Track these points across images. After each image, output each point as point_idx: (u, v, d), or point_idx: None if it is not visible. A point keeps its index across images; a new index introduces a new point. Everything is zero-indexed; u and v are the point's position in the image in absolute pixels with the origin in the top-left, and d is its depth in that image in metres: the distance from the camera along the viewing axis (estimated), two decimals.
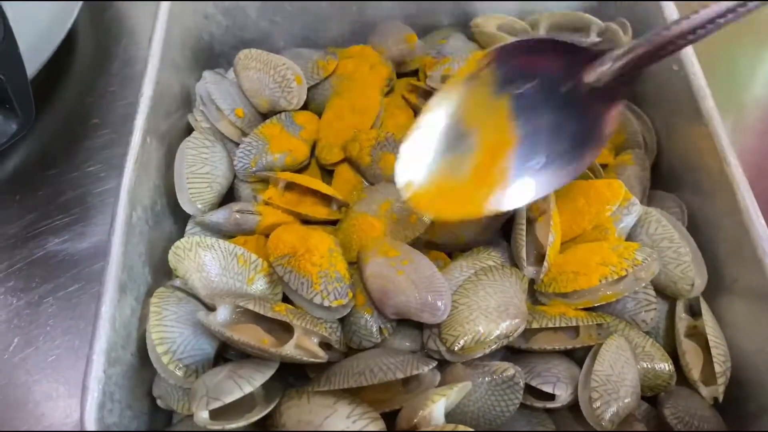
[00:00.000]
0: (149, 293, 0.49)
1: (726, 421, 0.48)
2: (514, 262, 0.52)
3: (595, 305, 0.50)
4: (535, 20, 0.67)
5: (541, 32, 0.67)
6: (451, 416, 0.45)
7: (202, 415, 0.41)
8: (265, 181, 0.56)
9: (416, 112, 0.62)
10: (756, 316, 0.48)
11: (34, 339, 0.57)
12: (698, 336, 0.51)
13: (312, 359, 0.45)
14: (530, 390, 0.47)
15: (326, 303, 0.47)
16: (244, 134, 0.58)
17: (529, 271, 0.51)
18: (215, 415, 0.42)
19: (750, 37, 0.87)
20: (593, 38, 0.64)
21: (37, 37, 0.68)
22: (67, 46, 0.75)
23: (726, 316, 0.51)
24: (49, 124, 0.71)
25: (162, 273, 0.52)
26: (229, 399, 0.41)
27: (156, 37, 0.58)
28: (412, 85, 0.62)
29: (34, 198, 0.66)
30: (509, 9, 0.68)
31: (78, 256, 0.62)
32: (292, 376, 0.49)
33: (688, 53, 0.58)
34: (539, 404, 0.47)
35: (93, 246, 0.63)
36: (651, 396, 0.49)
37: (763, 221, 0.49)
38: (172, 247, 0.49)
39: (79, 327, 0.58)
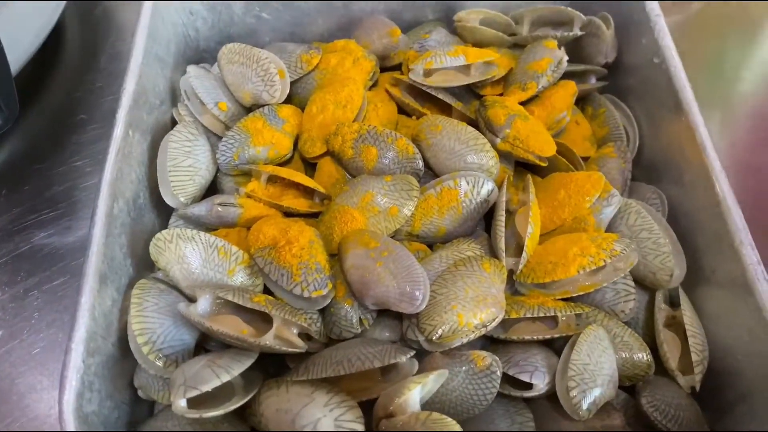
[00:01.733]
0: (131, 285, 0.49)
1: (703, 409, 0.48)
2: (494, 253, 0.52)
3: (574, 295, 0.50)
4: (519, 15, 0.67)
5: (525, 26, 0.67)
6: (428, 405, 0.46)
7: (180, 404, 0.41)
8: (248, 174, 0.57)
9: (399, 105, 0.62)
10: (733, 306, 0.49)
11: (19, 332, 0.58)
12: (677, 326, 0.51)
13: (291, 349, 0.45)
14: (509, 379, 0.47)
15: (306, 294, 0.47)
16: (228, 128, 0.59)
17: (508, 261, 0.51)
18: (194, 404, 0.42)
19: (736, 33, 0.87)
20: (576, 32, 0.64)
21: (22, 31, 0.68)
22: (55, 41, 0.75)
23: (704, 306, 0.52)
24: (36, 119, 0.71)
25: (145, 265, 0.53)
26: (206, 388, 0.41)
27: (139, 32, 0.58)
28: (395, 79, 0.62)
29: (20, 192, 0.66)
30: (493, 3, 0.68)
31: (64, 249, 0.63)
32: (273, 367, 0.49)
33: (669, 46, 0.59)
34: (517, 393, 0.47)
35: (79, 240, 0.63)
36: (629, 385, 0.50)
37: (740, 212, 0.49)
38: (153, 239, 0.49)
39: (64, 320, 0.58)
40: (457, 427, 0.40)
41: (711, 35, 0.87)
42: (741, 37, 0.87)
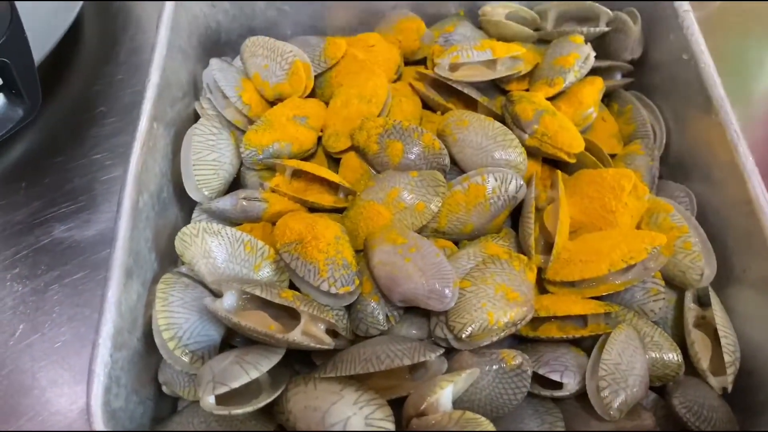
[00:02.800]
0: (155, 279, 0.49)
1: (735, 411, 0.48)
2: (522, 251, 0.52)
3: (604, 294, 0.49)
4: (544, 9, 0.67)
5: (550, 22, 0.66)
6: (458, 404, 0.45)
7: (209, 400, 0.41)
8: (272, 169, 0.56)
9: (423, 100, 0.61)
10: (765, 305, 0.48)
11: (40, 326, 0.57)
12: (707, 326, 0.51)
13: (319, 346, 0.45)
14: (538, 378, 0.47)
15: (333, 290, 0.46)
16: (251, 121, 0.58)
17: (537, 259, 0.50)
18: (221, 400, 0.41)
19: (758, 30, 0.86)
20: (602, 27, 0.63)
21: (43, 23, 0.67)
22: (75, 34, 0.75)
23: (735, 306, 0.51)
24: (55, 112, 0.71)
25: (168, 260, 0.52)
26: (235, 384, 0.41)
27: (163, 24, 0.57)
28: (419, 74, 0.61)
29: (40, 185, 0.66)
30: None
31: (84, 243, 0.62)
32: (299, 363, 0.49)
33: (699, 42, 0.58)
34: (546, 393, 0.46)
35: (99, 233, 0.63)
36: (659, 386, 0.49)
37: None
38: (179, 233, 0.49)
39: (85, 314, 0.58)
40: (491, 427, 0.40)
41: (732, 32, 0.86)
42: (762, 34, 0.86)
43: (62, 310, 0.58)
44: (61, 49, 0.70)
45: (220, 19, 0.67)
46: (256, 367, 0.42)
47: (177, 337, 0.46)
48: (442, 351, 0.45)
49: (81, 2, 0.72)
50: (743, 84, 0.81)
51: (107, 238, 0.46)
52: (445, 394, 0.41)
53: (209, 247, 0.49)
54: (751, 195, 0.50)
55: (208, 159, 0.54)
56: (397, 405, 0.43)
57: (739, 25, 0.87)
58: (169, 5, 0.59)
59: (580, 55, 0.59)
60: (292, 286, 0.50)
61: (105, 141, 0.69)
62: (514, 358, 0.45)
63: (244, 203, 0.52)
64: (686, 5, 0.61)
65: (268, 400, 0.43)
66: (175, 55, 0.58)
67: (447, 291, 0.45)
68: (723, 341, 0.48)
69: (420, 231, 0.52)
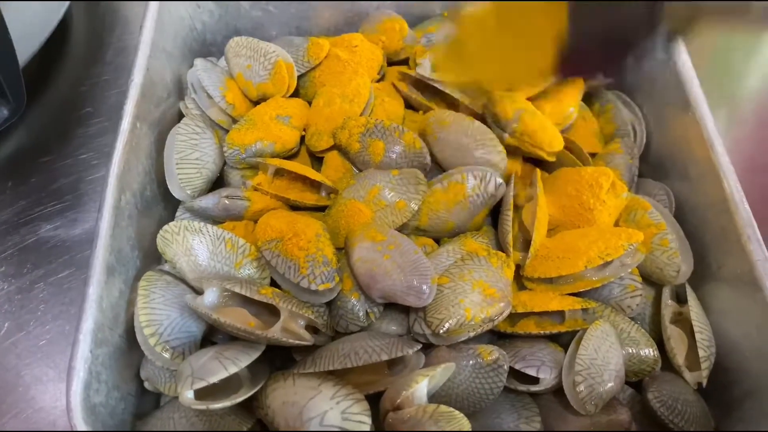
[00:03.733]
0: (138, 277, 0.49)
1: (710, 406, 0.48)
2: (501, 248, 0.52)
3: (581, 291, 0.50)
4: None
5: None
6: (435, 398, 0.46)
7: (187, 395, 0.41)
8: (255, 168, 0.57)
9: (406, 100, 0.62)
10: (740, 302, 0.49)
11: (25, 324, 0.58)
12: (684, 322, 0.51)
13: (298, 342, 0.45)
14: (515, 373, 0.47)
15: (313, 287, 0.47)
16: (235, 121, 0.58)
17: (515, 256, 0.51)
18: (201, 395, 0.42)
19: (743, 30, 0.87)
20: None
21: (29, 24, 0.68)
22: (61, 34, 0.75)
23: (711, 302, 0.52)
24: (42, 112, 0.71)
25: (152, 258, 0.53)
26: (213, 379, 0.41)
27: (147, 24, 0.58)
28: (402, 74, 0.62)
29: (26, 185, 0.66)
30: None
31: (70, 242, 0.63)
32: (279, 359, 0.49)
33: (677, 42, 0.59)
34: (523, 388, 0.47)
35: (85, 232, 0.63)
36: (636, 381, 0.50)
37: (747, 208, 0.49)
38: (160, 231, 0.49)
39: (70, 312, 0.58)
40: (465, 420, 0.40)
41: (715, 33, 0.87)
42: (746, 34, 0.87)
43: (47, 309, 0.59)
44: (48, 49, 0.71)
45: (206, 19, 0.68)
46: (235, 363, 0.43)
47: (158, 333, 0.46)
48: (419, 346, 0.45)
49: (68, 2, 0.73)
50: (726, 83, 0.82)
51: (93, 237, 0.46)
52: (420, 387, 0.41)
53: (191, 244, 0.49)
54: (726, 193, 0.50)
55: (191, 158, 0.55)
56: (375, 400, 0.44)
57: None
58: (152, 7, 0.59)
59: None
60: (273, 284, 0.50)
61: (91, 141, 0.69)
62: (491, 353, 0.46)
63: (226, 201, 0.53)
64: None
65: (247, 395, 0.43)
66: (159, 55, 0.58)
67: (425, 287, 0.46)
68: (698, 336, 0.48)
69: (401, 229, 0.53)
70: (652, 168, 0.61)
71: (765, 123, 0.79)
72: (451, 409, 0.40)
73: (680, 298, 0.53)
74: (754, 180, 0.62)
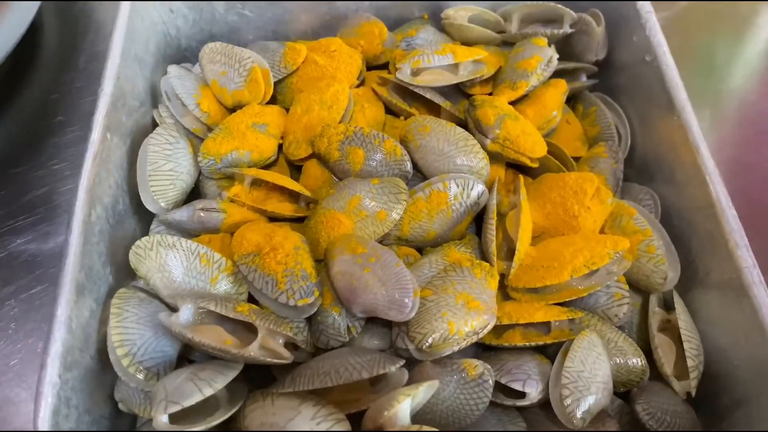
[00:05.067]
0: (110, 294, 0.48)
1: (699, 415, 0.47)
2: (485, 257, 0.51)
3: (567, 300, 0.49)
4: (508, 12, 0.66)
5: (514, 24, 0.66)
6: (419, 415, 0.44)
7: (162, 419, 0.40)
8: (231, 178, 0.55)
9: (386, 105, 0.60)
10: (729, 309, 0.48)
11: None
12: (672, 330, 0.50)
13: (277, 361, 0.44)
14: (501, 388, 0.46)
15: (292, 302, 0.46)
16: (210, 129, 0.57)
17: (500, 266, 0.50)
18: (177, 418, 0.40)
19: (725, 29, 0.87)
20: (566, 29, 0.63)
21: None
22: (31, 40, 0.73)
23: (699, 309, 0.51)
24: (12, 121, 0.69)
25: (125, 274, 0.51)
26: (188, 402, 0.40)
27: (117, 31, 0.56)
28: (382, 78, 0.61)
29: None
30: (481, 1, 0.67)
31: (42, 256, 0.61)
32: (259, 377, 0.48)
33: (661, 44, 0.58)
34: (509, 402, 0.46)
35: (58, 246, 0.61)
36: (624, 391, 0.49)
37: (734, 213, 0.48)
38: (133, 247, 0.48)
39: (43, 330, 0.56)
40: None
41: (699, 31, 0.87)
42: (729, 33, 0.86)
43: (18, 326, 0.57)
44: (17, 55, 0.69)
45: (180, 25, 0.66)
46: (211, 384, 0.41)
47: (131, 353, 0.45)
48: (402, 363, 0.44)
49: (36, 7, 0.71)
50: (710, 84, 0.81)
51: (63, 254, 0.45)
52: (402, 408, 0.40)
53: (164, 260, 0.48)
54: (712, 198, 0.49)
55: (165, 169, 0.53)
56: (358, 418, 0.43)
57: (705, 25, 0.87)
58: (123, 11, 0.57)
59: (542, 57, 0.59)
60: (251, 298, 0.49)
61: (64, 151, 0.67)
62: (476, 368, 0.45)
63: (201, 214, 0.51)
64: (648, 6, 0.60)
65: (224, 418, 0.42)
66: (131, 63, 0.57)
67: (407, 301, 0.45)
68: (686, 345, 0.48)
69: (382, 239, 0.51)
70: (636, 171, 0.60)
71: (748, 123, 0.78)
72: (435, 429, 0.39)
73: (667, 305, 0.52)
74: (736, 181, 0.62)
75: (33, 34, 0.73)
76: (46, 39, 0.76)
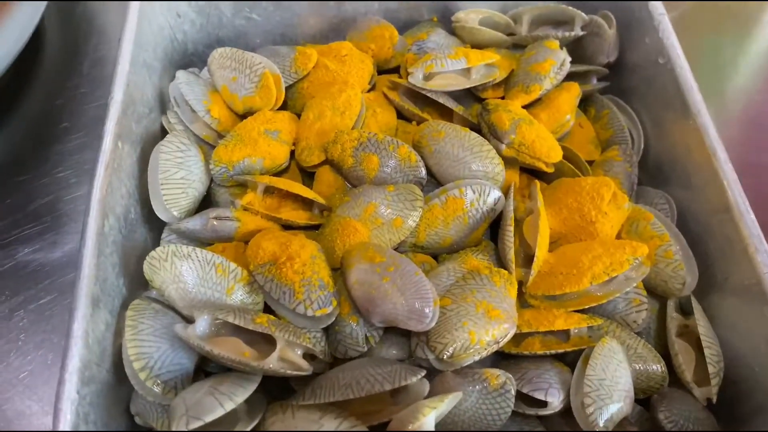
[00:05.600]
0: (124, 306, 0.47)
1: (720, 422, 0.47)
2: (502, 264, 0.51)
3: (586, 306, 0.48)
4: (518, 14, 0.66)
5: (524, 26, 0.65)
6: (441, 425, 0.44)
7: None
8: (244, 186, 0.54)
9: (398, 110, 0.60)
10: (748, 314, 0.47)
11: (5, 354, 0.55)
12: (690, 335, 0.50)
13: (296, 372, 0.43)
14: (522, 396, 0.46)
15: (310, 312, 0.45)
16: (220, 136, 0.56)
17: (518, 273, 0.49)
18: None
19: (732, 29, 0.86)
20: (577, 32, 0.63)
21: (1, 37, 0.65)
22: (35, 45, 0.72)
23: (718, 314, 0.50)
24: (16, 128, 0.68)
25: (138, 283, 0.50)
26: (210, 418, 0.39)
27: (126, 37, 0.55)
28: (393, 83, 0.60)
29: (2, 206, 0.63)
30: (491, 3, 0.66)
31: (50, 266, 0.60)
32: (276, 388, 0.47)
33: (675, 45, 0.58)
34: (531, 411, 0.45)
35: (66, 255, 0.61)
36: (643, 398, 0.48)
37: (753, 217, 0.48)
38: (147, 258, 0.47)
39: (53, 341, 0.56)
40: None
41: (706, 32, 0.86)
42: (736, 33, 0.86)
43: (28, 338, 0.56)
44: (22, 62, 0.68)
45: (187, 29, 0.65)
46: (231, 398, 0.41)
47: (148, 367, 0.44)
48: (423, 373, 0.43)
49: (40, 13, 0.69)
50: (717, 82, 0.81)
51: (74, 260, 0.44)
52: (427, 421, 0.39)
53: (179, 271, 0.47)
54: (730, 202, 0.49)
55: (176, 177, 0.52)
56: (379, 429, 0.42)
57: (712, 24, 0.87)
58: (131, 17, 0.56)
59: (555, 61, 0.59)
60: (267, 308, 0.48)
61: (69, 158, 0.66)
62: (498, 377, 0.44)
63: (214, 223, 0.51)
64: (661, 7, 0.60)
65: (245, 431, 0.41)
66: (140, 69, 0.56)
67: (427, 311, 0.44)
68: (707, 352, 0.47)
69: (398, 246, 0.51)
70: (650, 175, 0.60)
71: (755, 123, 0.78)
72: None
73: (684, 309, 0.52)
74: (746, 182, 0.61)
75: (35, 38, 0.72)
76: (49, 43, 0.75)
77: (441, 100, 0.57)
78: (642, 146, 0.61)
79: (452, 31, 0.66)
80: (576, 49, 0.64)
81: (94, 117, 0.69)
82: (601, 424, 0.43)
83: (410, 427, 0.39)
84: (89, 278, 0.44)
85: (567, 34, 0.62)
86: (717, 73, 0.81)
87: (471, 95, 0.62)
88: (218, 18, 0.65)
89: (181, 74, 0.59)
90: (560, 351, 0.47)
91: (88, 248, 0.45)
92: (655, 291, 0.52)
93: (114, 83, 0.52)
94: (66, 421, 0.39)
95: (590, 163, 0.59)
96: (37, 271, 0.59)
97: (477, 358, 0.45)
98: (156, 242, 0.54)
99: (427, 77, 0.58)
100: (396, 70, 0.64)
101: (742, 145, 0.76)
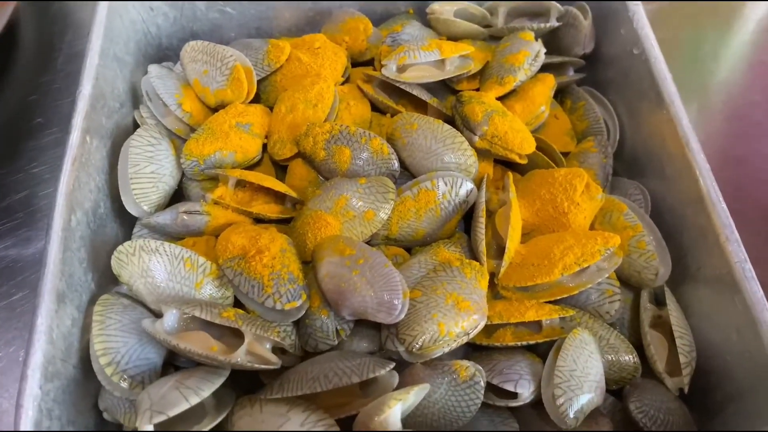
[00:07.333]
0: (93, 301, 0.47)
1: (692, 411, 0.47)
2: (474, 256, 0.50)
3: (558, 297, 0.48)
4: (494, 6, 0.65)
5: (500, 18, 0.65)
6: (410, 418, 0.44)
7: (147, 429, 0.39)
8: (215, 180, 0.54)
9: (372, 102, 0.59)
10: (721, 304, 0.47)
11: None
12: (663, 325, 0.50)
13: (264, 366, 0.43)
14: (493, 388, 0.45)
15: (279, 306, 0.45)
16: (192, 130, 0.56)
17: (490, 264, 0.49)
18: (163, 426, 0.39)
19: (713, 22, 0.86)
20: (553, 23, 0.62)
21: None
22: (8, 41, 0.71)
23: (691, 304, 0.50)
24: None
25: (109, 279, 0.50)
26: (173, 412, 0.39)
27: (95, 31, 0.55)
28: (367, 75, 0.60)
29: None
30: None
31: (22, 262, 0.59)
32: (246, 382, 0.47)
33: (649, 36, 0.57)
34: (501, 403, 0.45)
35: (39, 252, 0.60)
36: (616, 389, 0.48)
37: (725, 207, 0.48)
38: (115, 252, 0.47)
39: (24, 337, 0.54)
40: None
41: (686, 24, 0.86)
42: (716, 26, 0.86)
43: None
44: None
45: (160, 23, 0.64)
46: (197, 393, 0.40)
47: (115, 362, 0.44)
48: (391, 365, 0.43)
49: (12, 7, 0.69)
50: (698, 76, 0.81)
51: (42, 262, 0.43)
52: (393, 413, 0.39)
53: (147, 265, 0.46)
54: (703, 192, 0.49)
55: (146, 171, 0.52)
56: (349, 422, 0.42)
57: (693, 17, 0.87)
58: (101, 11, 0.56)
59: (530, 52, 0.58)
60: (237, 302, 0.48)
61: (43, 154, 0.66)
62: (467, 369, 0.44)
63: (184, 217, 0.50)
64: None
65: (212, 425, 0.41)
66: (110, 63, 0.55)
67: (396, 302, 0.44)
68: (678, 342, 0.47)
69: (371, 239, 0.51)
70: (626, 166, 0.60)
71: (736, 116, 0.78)
72: None
73: (658, 300, 0.52)
74: (724, 174, 0.61)
75: (9, 34, 0.71)
76: (24, 39, 0.75)
77: (414, 92, 0.57)
78: (618, 137, 0.60)
79: (428, 23, 0.65)
80: (552, 40, 0.64)
81: (68, 113, 0.66)
82: (572, 415, 0.43)
83: (376, 419, 0.39)
84: (54, 273, 0.43)
85: (542, 25, 0.62)
86: (696, 65, 0.81)
87: (447, 87, 0.61)
88: (192, 11, 0.65)
89: (153, 68, 0.58)
90: (532, 342, 0.47)
91: (54, 243, 0.44)
92: (628, 282, 0.52)
93: (82, 77, 0.52)
94: (27, 417, 0.38)
95: (566, 154, 0.59)
96: (9, 267, 0.59)
97: (447, 349, 0.45)
98: (127, 237, 0.53)
99: (401, 69, 0.57)
100: (371, 62, 0.63)
101: (723, 138, 0.76)
